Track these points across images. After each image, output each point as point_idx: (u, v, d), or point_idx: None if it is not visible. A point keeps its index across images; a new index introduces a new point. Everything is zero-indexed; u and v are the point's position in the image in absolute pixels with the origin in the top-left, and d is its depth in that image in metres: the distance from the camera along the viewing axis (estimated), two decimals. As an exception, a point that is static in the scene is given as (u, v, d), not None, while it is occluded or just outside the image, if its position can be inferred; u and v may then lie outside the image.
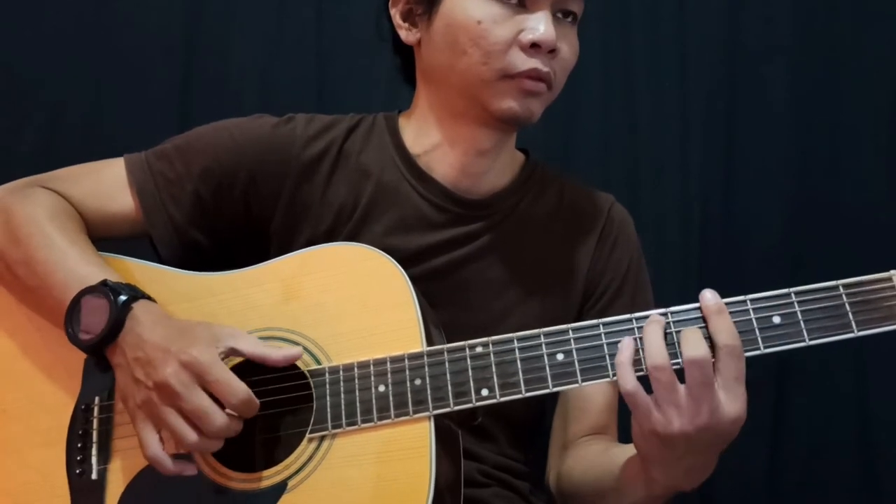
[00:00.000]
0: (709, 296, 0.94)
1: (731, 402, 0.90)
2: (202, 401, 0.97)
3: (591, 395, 1.22)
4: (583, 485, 1.14)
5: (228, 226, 1.20)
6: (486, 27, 1.09)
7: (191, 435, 0.97)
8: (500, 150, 1.21)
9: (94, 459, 1.06)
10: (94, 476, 1.05)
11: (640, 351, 0.93)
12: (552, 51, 1.10)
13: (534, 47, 1.09)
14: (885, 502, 1.56)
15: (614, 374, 0.94)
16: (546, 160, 1.31)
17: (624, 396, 0.93)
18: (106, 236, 1.20)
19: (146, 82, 1.65)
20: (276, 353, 1.02)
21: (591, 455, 1.16)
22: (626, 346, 0.94)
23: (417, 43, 1.18)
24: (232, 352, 1.01)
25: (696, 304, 0.94)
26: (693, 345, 0.91)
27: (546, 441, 1.33)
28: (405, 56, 1.24)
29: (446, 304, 1.13)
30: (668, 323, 0.94)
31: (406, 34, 1.19)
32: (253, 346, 1.02)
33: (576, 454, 1.19)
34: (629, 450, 1.02)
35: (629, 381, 0.92)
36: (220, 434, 0.97)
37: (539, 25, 1.09)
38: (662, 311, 0.95)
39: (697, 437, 0.90)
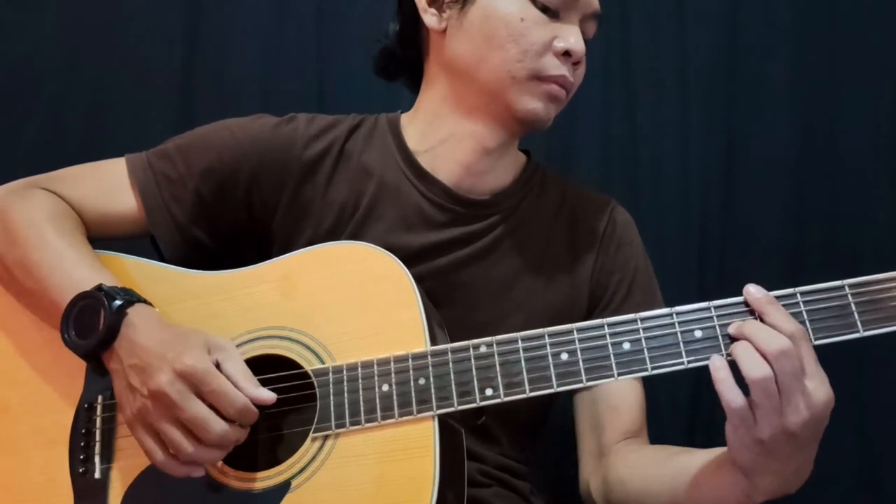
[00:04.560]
0: (753, 289, 0.92)
1: (819, 386, 0.88)
2: (199, 410, 0.96)
3: (623, 395, 1.19)
4: (648, 494, 1.09)
5: (230, 225, 1.20)
6: (527, 26, 1.11)
7: (188, 446, 0.96)
8: (504, 149, 1.21)
9: (97, 458, 1.06)
10: (97, 475, 1.06)
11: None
12: (576, 63, 1.14)
13: (565, 55, 1.12)
14: (885, 503, 1.56)
15: (619, 374, 0.94)
16: (547, 160, 1.32)
17: (729, 413, 0.89)
18: (106, 236, 1.20)
19: (146, 82, 1.64)
20: (253, 388, 0.98)
21: (649, 462, 1.12)
22: (722, 364, 0.90)
23: (442, 31, 1.17)
24: (217, 365, 0.98)
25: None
26: (773, 337, 0.88)
27: (548, 442, 1.33)
28: (411, 49, 1.24)
29: (448, 303, 1.13)
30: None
31: (432, 19, 1.18)
32: (238, 373, 0.99)
33: (625, 462, 1.14)
34: (701, 457, 0.99)
35: (738, 397, 0.88)
36: (221, 442, 0.97)
37: (571, 36, 1.12)
38: (668, 310, 0.95)
39: (802, 435, 0.88)
